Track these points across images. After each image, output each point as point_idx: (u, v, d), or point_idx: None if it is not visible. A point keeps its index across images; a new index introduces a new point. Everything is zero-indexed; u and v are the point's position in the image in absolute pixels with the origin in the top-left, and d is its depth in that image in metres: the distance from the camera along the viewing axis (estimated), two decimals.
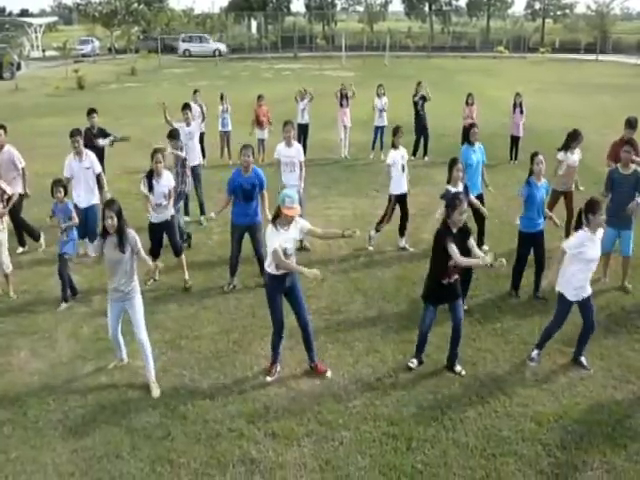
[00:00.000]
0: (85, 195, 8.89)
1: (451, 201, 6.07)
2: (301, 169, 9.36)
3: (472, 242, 6.21)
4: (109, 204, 5.88)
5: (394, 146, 9.48)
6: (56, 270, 7.82)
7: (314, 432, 5.51)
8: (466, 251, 6.11)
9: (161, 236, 8.39)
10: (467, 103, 15.40)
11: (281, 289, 6.17)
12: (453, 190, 8.03)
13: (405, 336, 7.07)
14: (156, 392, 5.98)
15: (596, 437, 5.43)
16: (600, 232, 6.30)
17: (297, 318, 6.34)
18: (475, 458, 5.20)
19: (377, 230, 9.68)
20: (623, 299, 7.93)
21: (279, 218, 5.94)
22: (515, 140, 15.14)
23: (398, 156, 9.43)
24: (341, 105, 15.83)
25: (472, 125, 9.82)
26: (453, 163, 7.94)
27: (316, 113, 16.16)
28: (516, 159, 15.06)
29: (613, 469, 5.06)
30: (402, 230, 9.74)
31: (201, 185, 11.07)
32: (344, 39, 48.72)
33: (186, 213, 10.94)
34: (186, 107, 11.34)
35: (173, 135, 9.53)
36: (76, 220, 7.81)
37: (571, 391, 6.07)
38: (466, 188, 8.08)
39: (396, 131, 9.41)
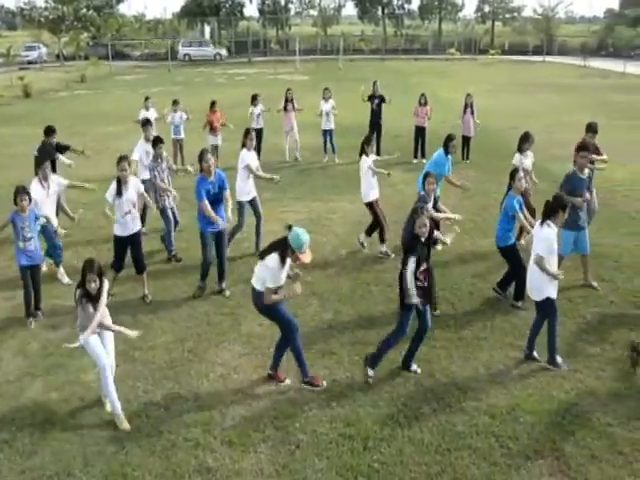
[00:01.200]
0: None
1: (413, 212, 6.34)
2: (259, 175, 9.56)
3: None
4: (90, 266, 5.51)
5: (366, 154, 9.41)
6: (15, 283, 7.63)
7: (270, 437, 5.49)
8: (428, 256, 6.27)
9: (125, 250, 8.17)
10: (420, 103, 15.55)
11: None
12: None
13: (361, 337, 7.12)
14: (109, 407, 5.86)
15: (547, 426, 5.57)
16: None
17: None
18: (430, 454, 5.26)
19: (382, 241, 9.58)
20: (570, 292, 8.11)
21: (289, 258, 5.90)
22: (467, 140, 15.41)
23: (369, 161, 9.41)
24: (285, 109, 15.83)
25: (451, 137, 9.65)
26: (425, 177, 7.97)
27: (269, 117, 16.15)
28: (468, 159, 15.33)
29: (562, 455, 5.19)
30: (381, 236, 9.61)
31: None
32: (298, 43, 48.88)
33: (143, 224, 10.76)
34: (147, 123, 10.94)
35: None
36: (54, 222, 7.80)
37: (523, 383, 6.20)
38: (436, 201, 8.15)
39: (368, 141, 9.39)
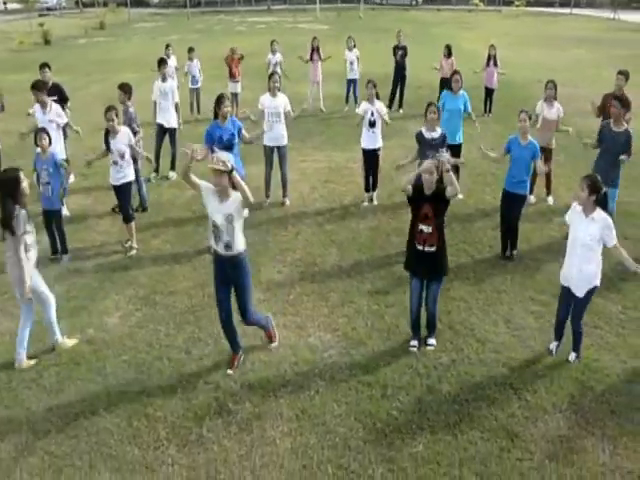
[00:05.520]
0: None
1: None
2: (287, 117, 9.29)
3: (448, 190, 5.62)
4: None
5: (367, 99, 9.31)
6: (43, 227, 7.69)
7: (290, 382, 5.56)
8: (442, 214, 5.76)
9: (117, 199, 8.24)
10: (444, 55, 15.12)
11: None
12: (427, 134, 8.01)
13: (379, 286, 7.13)
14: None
15: (565, 381, 5.56)
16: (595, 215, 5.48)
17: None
18: (448, 403, 5.30)
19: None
20: None
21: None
22: (489, 92, 15.03)
23: (367, 109, 9.24)
24: (311, 59, 15.51)
25: (455, 72, 9.74)
26: (428, 106, 7.97)
27: (289, 66, 15.84)
28: (490, 112, 15.00)
29: (581, 410, 5.20)
30: (373, 185, 9.65)
31: (175, 147, 10.81)
32: None
33: (156, 170, 10.78)
34: (162, 62, 10.88)
35: (124, 89, 9.19)
36: (69, 170, 7.83)
37: (542, 338, 6.18)
38: (444, 137, 8.03)
39: (368, 83, 9.18)
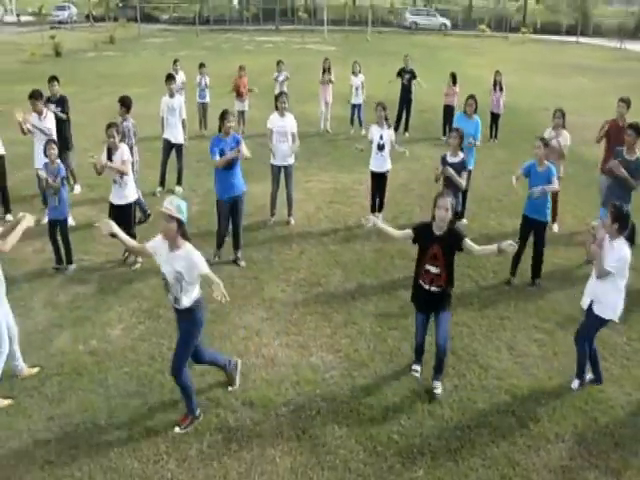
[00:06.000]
0: (41, 156, 8.90)
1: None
2: (294, 140, 9.29)
3: (469, 243, 5.33)
4: None
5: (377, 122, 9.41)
6: (47, 237, 7.77)
7: (291, 402, 5.54)
8: (453, 255, 5.42)
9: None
10: (450, 84, 15.17)
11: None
12: (450, 158, 8.08)
13: (383, 309, 7.12)
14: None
15: (568, 410, 5.54)
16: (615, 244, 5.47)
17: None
18: (450, 429, 5.28)
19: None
20: None
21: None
22: (495, 118, 15.16)
23: (375, 132, 9.38)
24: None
25: (470, 97, 9.84)
26: (450, 132, 8.07)
27: (297, 86, 16.00)
28: (496, 137, 15.10)
29: (584, 441, 5.17)
30: (379, 207, 9.74)
31: (182, 162, 10.90)
32: (326, 13, 48.11)
33: (161, 184, 10.84)
34: (170, 78, 11.00)
35: (124, 102, 9.30)
36: (58, 183, 7.53)
37: (545, 366, 6.17)
38: (463, 162, 8.10)
39: (377, 106, 9.25)
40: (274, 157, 9.32)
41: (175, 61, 15.14)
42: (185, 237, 4.99)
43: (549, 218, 7.91)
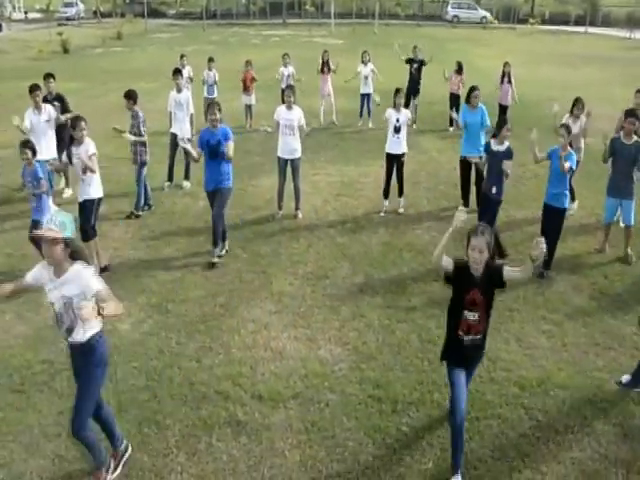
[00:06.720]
0: (45, 148, 9.21)
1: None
2: (302, 132, 9.36)
3: (509, 271, 4.37)
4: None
5: (394, 105, 9.57)
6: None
7: (300, 394, 5.54)
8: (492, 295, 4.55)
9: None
10: (455, 71, 15.23)
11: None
12: (494, 146, 8.00)
13: (391, 301, 7.11)
14: None
15: (577, 402, 5.51)
16: None
17: None
18: None
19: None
20: (607, 268, 7.99)
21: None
22: (503, 110, 15.06)
23: (392, 115, 9.53)
24: (322, 72, 15.62)
25: (474, 88, 9.86)
26: (503, 123, 7.93)
27: (303, 80, 15.95)
28: None
29: (593, 432, 5.15)
30: (399, 192, 9.81)
31: (189, 157, 10.88)
32: (333, 6, 47.95)
33: (169, 179, 10.87)
34: (177, 72, 11.03)
35: (129, 95, 9.39)
36: (44, 187, 7.28)
37: (554, 357, 6.14)
38: (509, 150, 7.93)
39: (397, 92, 9.51)
40: (279, 150, 9.32)
41: (182, 56, 15.16)
42: (74, 256, 4.19)
43: (567, 205, 7.90)
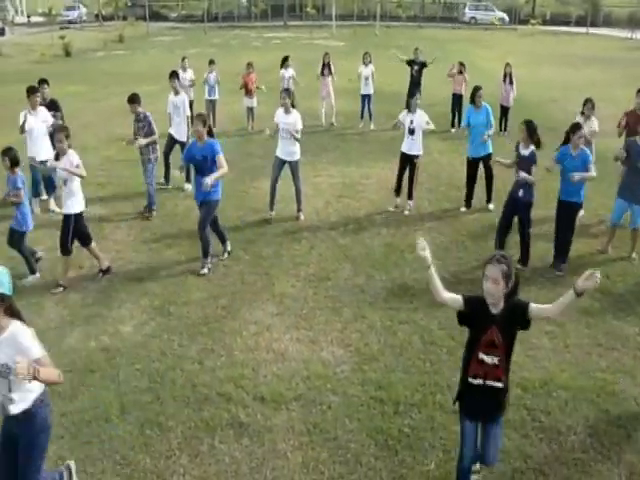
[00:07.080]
0: (42, 148, 9.31)
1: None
2: (297, 138, 9.17)
3: (536, 308, 3.87)
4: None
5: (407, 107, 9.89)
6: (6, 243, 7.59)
7: (302, 396, 5.55)
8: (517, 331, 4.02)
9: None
10: (457, 72, 15.24)
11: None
12: (521, 150, 7.94)
13: (393, 303, 7.11)
14: None
15: (580, 403, 5.50)
16: None
17: None
18: None
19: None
20: (609, 268, 7.97)
21: None
22: (505, 111, 15.08)
23: (406, 117, 9.72)
24: (322, 74, 15.64)
25: (477, 88, 9.94)
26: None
27: (304, 81, 15.99)
28: (505, 130, 15.01)
29: (596, 433, 5.14)
30: (408, 195, 9.89)
31: None
32: (334, 8, 47.97)
33: (167, 181, 10.87)
34: (173, 75, 11.01)
35: (133, 99, 9.38)
36: (20, 198, 7.18)
37: (557, 358, 6.14)
38: (533, 154, 7.81)
39: (410, 94, 9.98)
40: (278, 150, 9.34)
41: (183, 58, 15.16)
42: (10, 313, 3.67)
43: (582, 199, 7.93)
